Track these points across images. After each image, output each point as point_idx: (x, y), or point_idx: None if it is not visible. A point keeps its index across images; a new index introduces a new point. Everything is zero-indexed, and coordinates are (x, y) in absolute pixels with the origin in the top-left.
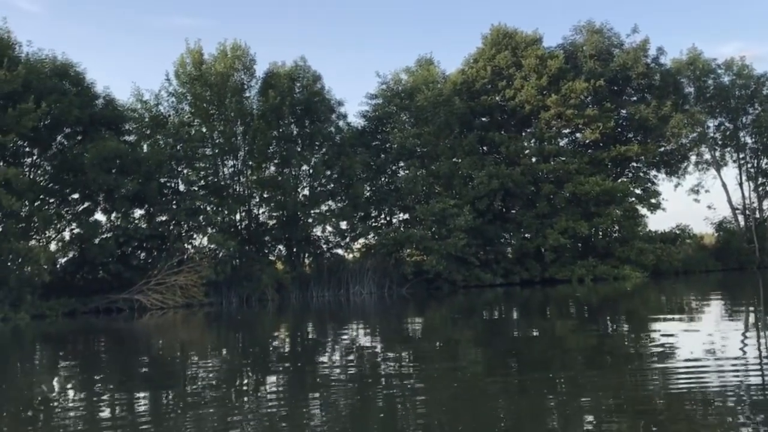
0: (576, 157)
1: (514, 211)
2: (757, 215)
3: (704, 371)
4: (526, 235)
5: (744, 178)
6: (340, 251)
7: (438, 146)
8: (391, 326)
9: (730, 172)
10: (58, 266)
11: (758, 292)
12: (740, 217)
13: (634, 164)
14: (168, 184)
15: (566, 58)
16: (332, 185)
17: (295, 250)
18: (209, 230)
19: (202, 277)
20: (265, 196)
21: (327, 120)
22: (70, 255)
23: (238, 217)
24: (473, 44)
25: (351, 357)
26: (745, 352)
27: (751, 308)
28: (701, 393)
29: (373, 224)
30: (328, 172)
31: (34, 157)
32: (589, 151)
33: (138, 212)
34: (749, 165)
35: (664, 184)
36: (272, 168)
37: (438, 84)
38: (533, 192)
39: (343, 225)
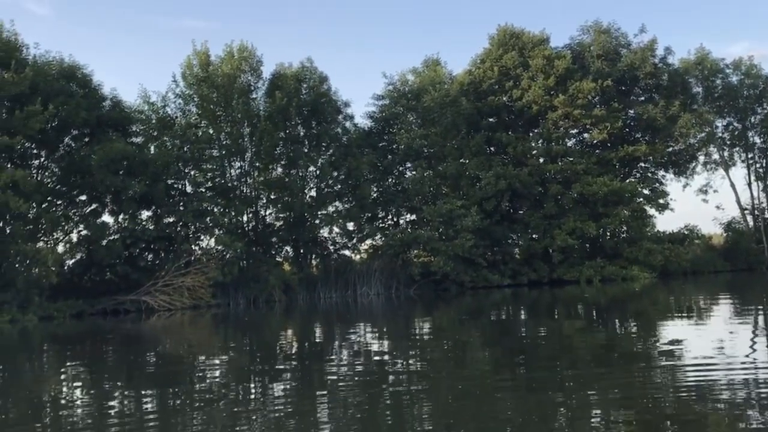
0: (584, 157)
1: (521, 212)
2: (766, 215)
3: (713, 370)
4: (534, 236)
5: (753, 178)
6: (347, 252)
7: (445, 147)
8: (398, 327)
9: (739, 172)
10: (65, 268)
11: (767, 293)
12: (749, 218)
13: (642, 164)
14: (175, 186)
15: (573, 59)
16: (339, 186)
17: (302, 251)
18: (216, 231)
19: (210, 278)
20: (272, 197)
21: (334, 121)
22: (78, 257)
23: (245, 218)
24: (480, 45)
25: (358, 358)
26: (754, 350)
27: (760, 308)
28: (710, 392)
29: (380, 225)
30: (335, 173)
31: (42, 159)
32: (597, 151)
33: (145, 214)
34: (758, 165)
35: (672, 185)
36: (279, 169)
37: (445, 84)
38: (541, 192)
39: (350, 226)
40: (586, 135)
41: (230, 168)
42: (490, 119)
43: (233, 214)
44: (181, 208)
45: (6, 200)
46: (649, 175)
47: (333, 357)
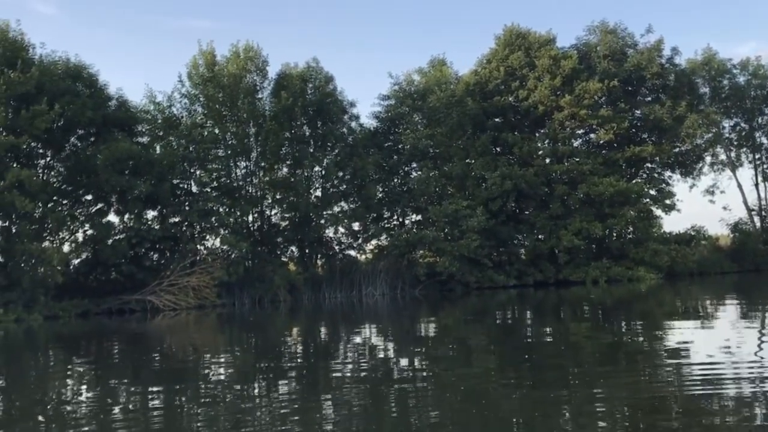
0: (590, 157)
1: (527, 213)
2: None
3: (719, 370)
4: (540, 237)
5: (760, 178)
6: (352, 252)
7: (451, 147)
8: (403, 328)
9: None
10: (71, 267)
11: None
12: (756, 219)
13: (649, 165)
14: (181, 186)
15: (580, 59)
16: (345, 186)
17: (307, 251)
18: (222, 231)
19: (215, 278)
20: (277, 197)
21: (339, 121)
22: (83, 256)
23: (250, 218)
24: (486, 45)
25: (363, 357)
26: (761, 349)
27: (767, 310)
28: (716, 392)
29: (386, 225)
30: (341, 173)
31: (48, 159)
32: (603, 151)
33: (151, 213)
34: (765, 166)
35: (678, 185)
36: (285, 169)
37: (451, 85)
38: (547, 193)
39: (356, 226)
40: (592, 135)
41: (236, 168)
42: (496, 119)
43: (239, 214)
44: (187, 208)
45: (12, 200)
46: (656, 175)
47: (338, 357)
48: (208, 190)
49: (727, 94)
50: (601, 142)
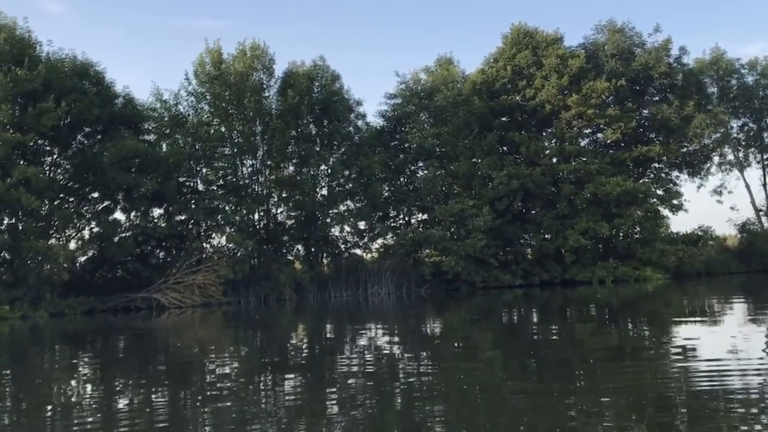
0: (597, 157)
1: (533, 212)
2: None
3: (726, 369)
4: (546, 236)
5: None
6: (358, 251)
7: (457, 146)
8: (409, 326)
9: (754, 173)
10: (77, 265)
11: None
12: (764, 219)
13: (656, 165)
14: (187, 184)
15: (587, 58)
16: (351, 185)
17: (313, 249)
18: (228, 230)
19: (221, 276)
20: (283, 195)
21: (345, 119)
22: (90, 253)
23: (256, 216)
24: (493, 44)
25: (369, 356)
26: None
27: None
28: (723, 391)
29: (392, 224)
30: (347, 172)
31: (54, 156)
32: (611, 151)
33: (157, 211)
34: None
35: (686, 185)
36: (291, 167)
37: (457, 83)
38: (553, 192)
39: (362, 225)
40: (599, 135)
41: (242, 166)
42: (503, 118)
43: (245, 212)
44: (193, 206)
45: (18, 197)
46: (663, 175)
47: (343, 355)
48: (215, 188)
49: (735, 94)
50: (609, 141)
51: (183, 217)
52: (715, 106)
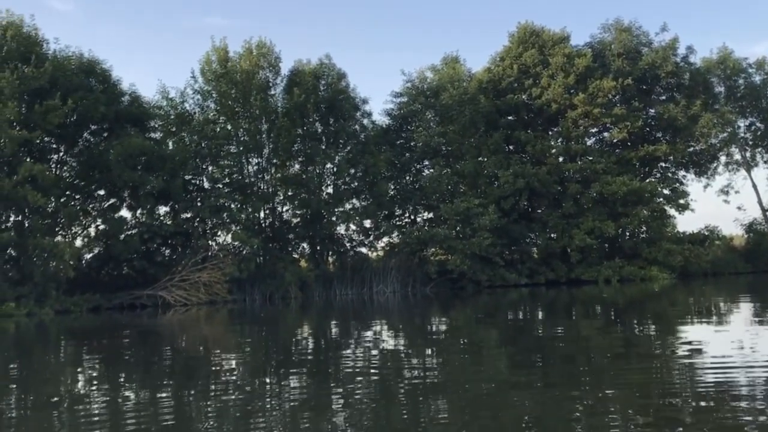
0: (603, 156)
1: (539, 211)
2: None
3: (732, 368)
4: (552, 235)
5: None
6: (363, 250)
7: (463, 145)
8: (414, 325)
9: (761, 173)
10: (83, 262)
11: None
12: None
13: (663, 164)
14: (193, 182)
15: (594, 57)
16: (356, 183)
17: (318, 248)
18: (233, 227)
19: (226, 274)
20: (289, 193)
21: (351, 118)
22: (95, 251)
23: (262, 214)
24: (499, 43)
25: (374, 354)
26: None
27: None
28: (729, 391)
29: (397, 223)
30: (353, 171)
31: (61, 154)
32: (617, 150)
33: (163, 209)
34: None
35: (693, 185)
36: (296, 166)
37: (464, 82)
38: (559, 192)
39: (367, 223)
40: (605, 134)
41: (248, 164)
42: (509, 117)
43: (250, 210)
44: (199, 204)
45: (25, 194)
46: (670, 175)
47: (348, 353)
48: (220, 186)
49: (742, 94)
50: (615, 140)
51: (189, 215)
52: (722, 106)
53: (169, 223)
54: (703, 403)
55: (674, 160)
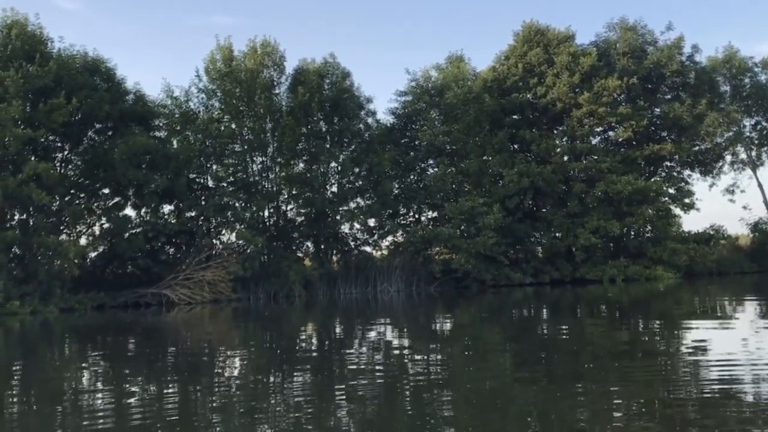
0: (608, 155)
1: (544, 210)
2: None
3: (736, 366)
4: (557, 235)
5: None
6: (367, 248)
7: (468, 144)
8: (419, 324)
9: (767, 172)
10: (87, 260)
11: None
12: None
13: (668, 163)
14: (197, 180)
15: (599, 56)
16: (361, 182)
17: (322, 246)
18: (237, 226)
19: (230, 272)
20: (293, 192)
21: (356, 117)
22: (100, 249)
23: (266, 213)
24: (504, 41)
25: (378, 353)
26: None
27: None
28: (733, 389)
29: (402, 222)
30: (357, 169)
31: (65, 152)
32: (622, 149)
33: (167, 208)
34: None
35: (698, 184)
36: (301, 164)
37: (468, 81)
38: (564, 191)
39: (372, 222)
40: (611, 133)
41: (252, 163)
42: (514, 116)
43: (254, 209)
44: (203, 203)
45: (29, 192)
46: (675, 174)
47: (352, 352)
48: (225, 184)
49: (748, 93)
50: (620, 140)
51: (193, 214)
52: (728, 105)
53: (173, 221)
54: (707, 400)
55: (679, 159)
